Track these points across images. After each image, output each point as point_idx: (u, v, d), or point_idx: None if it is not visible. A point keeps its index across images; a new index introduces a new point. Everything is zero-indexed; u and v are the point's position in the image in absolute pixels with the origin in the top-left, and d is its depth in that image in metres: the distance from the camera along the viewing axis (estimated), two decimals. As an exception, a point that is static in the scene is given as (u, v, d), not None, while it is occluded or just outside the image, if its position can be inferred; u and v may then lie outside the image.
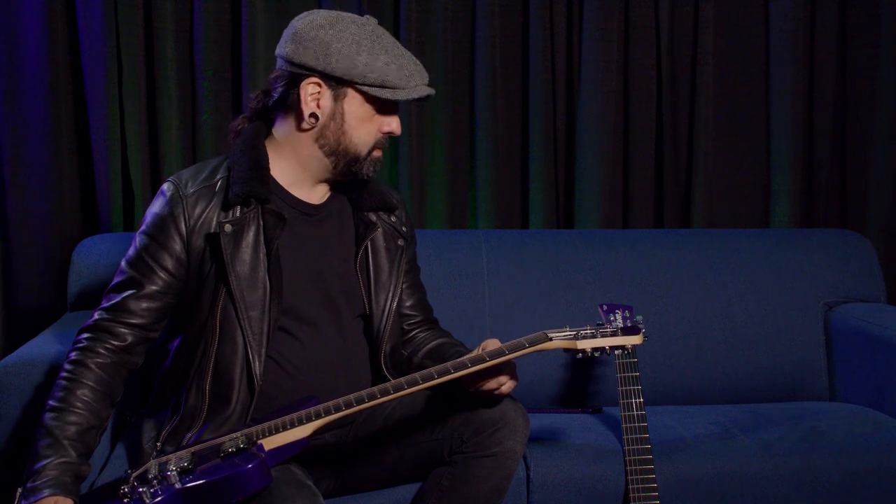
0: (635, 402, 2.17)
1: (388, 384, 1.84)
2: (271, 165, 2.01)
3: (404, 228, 2.14)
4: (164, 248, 1.93)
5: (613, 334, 1.92)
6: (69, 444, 1.81)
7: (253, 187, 1.94)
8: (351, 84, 1.93)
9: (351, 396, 1.84)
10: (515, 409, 1.94)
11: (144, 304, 1.92)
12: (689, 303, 2.70)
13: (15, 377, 2.11)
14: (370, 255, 2.07)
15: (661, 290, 2.70)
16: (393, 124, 2.00)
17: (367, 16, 2.02)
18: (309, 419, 1.82)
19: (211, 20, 2.91)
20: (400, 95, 1.94)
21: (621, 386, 2.18)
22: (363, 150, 1.98)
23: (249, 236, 1.94)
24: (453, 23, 3.00)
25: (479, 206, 3.05)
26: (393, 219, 2.12)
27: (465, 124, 3.05)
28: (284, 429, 1.82)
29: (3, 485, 2.11)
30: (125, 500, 1.77)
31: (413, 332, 2.16)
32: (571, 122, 3.06)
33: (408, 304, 2.17)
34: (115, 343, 1.91)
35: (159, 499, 1.75)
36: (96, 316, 1.93)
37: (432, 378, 1.83)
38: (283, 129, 2.01)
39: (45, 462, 1.79)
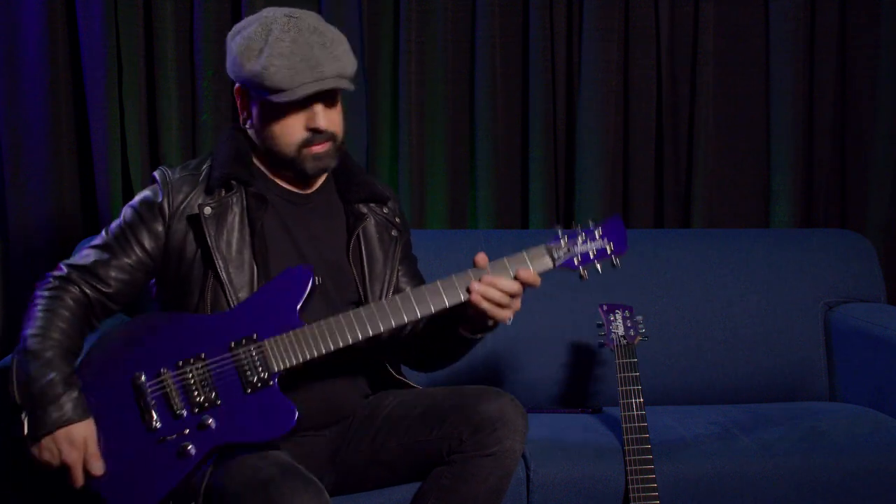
0: (635, 402, 2.17)
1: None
2: (255, 154, 2.05)
3: (397, 220, 2.14)
4: (145, 225, 1.97)
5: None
6: (60, 361, 1.84)
7: (233, 169, 1.98)
8: (248, 89, 1.96)
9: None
10: (515, 408, 1.94)
11: (113, 274, 1.95)
12: (689, 303, 2.70)
13: (15, 377, 2.10)
14: (363, 245, 2.07)
15: (661, 290, 2.70)
16: (317, 119, 1.95)
17: (289, 11, 1.97)
18: (326, 345, 1.87)
19: (211, 20, 2.91)
20: (282, 98, 1.90)
21: (621, 386, 2.18)
22: (290, 150, 1.97)
23: (233, 218, 1.97)
24: (453, 23, 3.00)
25: (479, 206, 3.04)
26: (385, 210, 2.12)
27: (465, 124, 3.05)
28: (303, 357, 1.87)
29: (3, 485, 2.11)
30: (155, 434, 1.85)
31: None
32: (571, 122, 3.06)
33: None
34: (80, 297, 1.93)
35: (199, 455, 1.84)
36: (65, 270, 1.95)
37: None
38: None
39: (44, 382, 1.81)
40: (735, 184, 3.14)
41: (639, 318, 2.23)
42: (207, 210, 1.95)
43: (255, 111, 1.99)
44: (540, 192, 3.03)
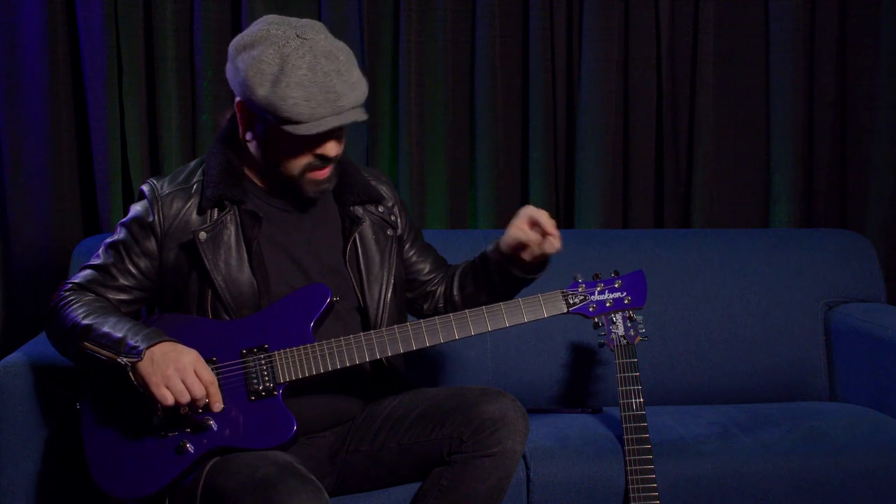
0: (635, 402, 2.16)
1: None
2: (246, 165, 2.03)
3: (393, 217, 2.14)
4: (139, 245, 1.99)
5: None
6: (122, 317, 1.91)
7: (225, 190, 1.97)
8: (258, 113, 1.91)
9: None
10: (515, 409, 1.94)
11: (111, 295, 1.98)
12: (689, 303, 2.70)
13: (15, 377, 2.11)
14: (359, 249, 2.07)
15: (662, 290, 2.69)
16: (327, 149, 1.92)
17: (300, 30, 1.88)
18: (334, 363, 1.90)
19: (211, 21, 2.91)
20: (299, 131, 1.86)
21: (621, 386, 2.18)
22: (294, 173, 1.95)
23: (229, 239, 1.97)
24: (453, 23, 3.00)
25: (479, 206, 3.04)
26: (381, 209, 2.12)
27: (465, 124, 3.05)
28: (309, 372, 1.90)
29: (3, 485, 2.11)
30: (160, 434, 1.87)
31: (437, 289, 2.21)
32: (571, 122, 3.06)
33: (425, 270, 2.19)
34: (99, 298, 1.98)
35: (196, 454, 1.86)
36: (70, 285, 1.99)
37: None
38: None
39: (123, 331, 1.85)
40: (735, 184, 3.13)
41: (639, 318, 2.23)
42: (202, 235, 1.95)
43: (260, 130, 1.95)
44: (540, 192, 3.02)
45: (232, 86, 1.95)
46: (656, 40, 3.04)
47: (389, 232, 2.12)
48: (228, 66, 1.95)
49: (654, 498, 2.10)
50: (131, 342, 1.82)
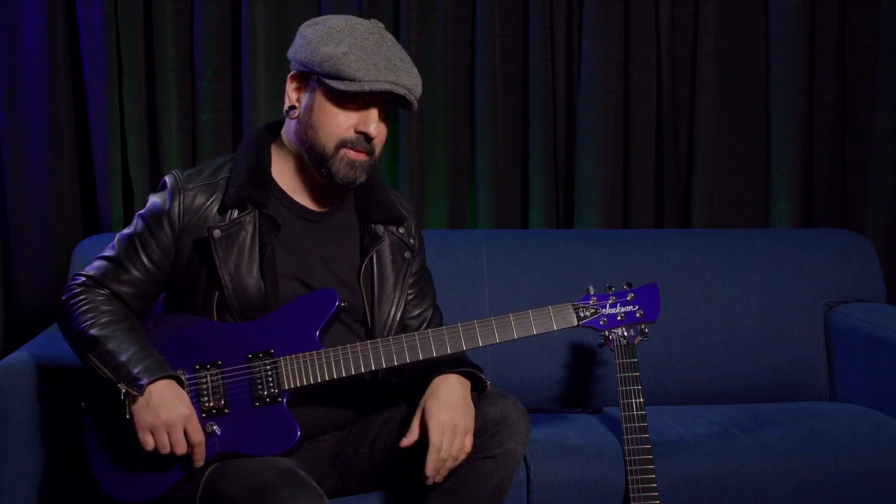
0: (635, 402, 2.17)
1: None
2: (274, 169, 2.01)
3: (412, 241, 2.11)
4: (154, 237, 1.96)
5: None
6: (129, 334, 1.87)
7: (249, 191, 1.95)
8: (313, 73, 1.91)
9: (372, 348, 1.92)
10: (516, 410, 1.94)
11: (124, 289, 1.95)
12: (689, 303, 2.70)
13: (15, 377, 2.11)
14: (375, 267, 2.05)
15: (662, 290, 2.68)
16: (368, 125, 1.92)
17: (375, 20, 1.96)
18: (339, 371, 1.89)
19: (211, 20, 2.91)
20: (351, 87, 1.87)
21: (621, 386, 2.18)
22: (329, 146, 1.92)
23: (244, 240, 1.94)
24: (453, 23, 3.00)
25: (479, 206, 3.04)
26: (401, 230, 2.10)
27: (465, 124, 3.05)
28: (315, 379, 1.89)
29: (3, 485, 2.11)
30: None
31: None
32: (571, 122, 3.06)
33: (413, 314, 2.14)
34: (110, 295, 1.96)
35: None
36: (81, 279, 1.96)
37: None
38: (285, 128, 2.03)
39: (128, 354, 1.83)
40: (735, 184, 3.14)
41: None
42: (217, 232, 1.93)
43: (308, 98, 1.94)
44: (540, 192, 3.02)
45: (292, 58, 1.96)
46: (656, 40, 3.04)
47: (406, 255, 2.09)
48: (295, 41, 1.96)
49: (654, 498, 2.10)
50: (134, 371, 1.81)
